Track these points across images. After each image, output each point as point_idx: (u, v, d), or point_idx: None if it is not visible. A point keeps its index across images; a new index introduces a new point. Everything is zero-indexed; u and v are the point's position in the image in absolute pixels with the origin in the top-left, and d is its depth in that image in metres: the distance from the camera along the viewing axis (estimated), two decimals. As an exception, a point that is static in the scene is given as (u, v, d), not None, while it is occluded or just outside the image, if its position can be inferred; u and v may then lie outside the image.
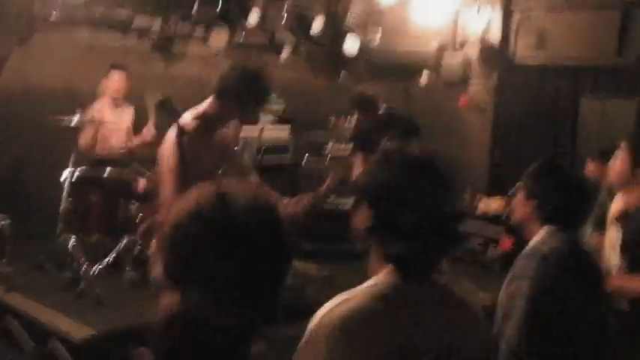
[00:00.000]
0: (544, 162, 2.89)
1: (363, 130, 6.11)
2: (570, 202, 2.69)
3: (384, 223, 1.68)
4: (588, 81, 6.72)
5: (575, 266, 2.62)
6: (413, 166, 1.75)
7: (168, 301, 1.25)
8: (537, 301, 2.49)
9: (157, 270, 1.28)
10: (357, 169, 5.75)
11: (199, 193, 1.28)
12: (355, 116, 6.39)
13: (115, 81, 5.90)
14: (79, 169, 5.10)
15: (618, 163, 3.41)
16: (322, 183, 7.03)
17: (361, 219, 1.73)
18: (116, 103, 5.99)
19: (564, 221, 2.68)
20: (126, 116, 6.08)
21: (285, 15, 7.30)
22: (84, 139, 5.52)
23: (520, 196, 2.81)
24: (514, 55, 7.14)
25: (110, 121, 5.84)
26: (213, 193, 1.26)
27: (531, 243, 2.69)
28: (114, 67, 5.90)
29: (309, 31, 7.46)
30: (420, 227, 1.64)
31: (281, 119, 7.41)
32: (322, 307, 1.67)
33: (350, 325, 1.59)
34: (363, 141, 6.00)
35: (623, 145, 3.43)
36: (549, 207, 2.68)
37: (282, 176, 7.29)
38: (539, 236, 2.68)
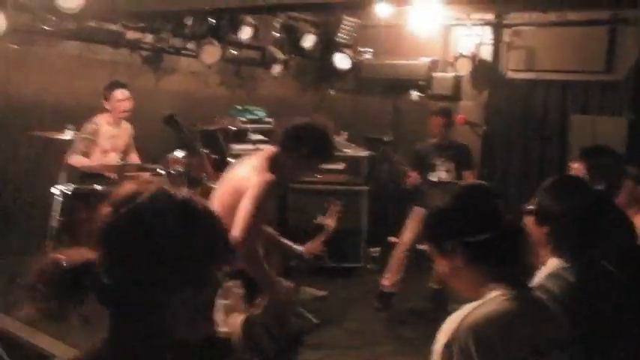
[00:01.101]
0: (558, 180, 2.62)
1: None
2: (588, 231, 2.30)
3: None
4: (577, 97, 6.77)
5: (585, 312, 2.22)
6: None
7: None
8: None
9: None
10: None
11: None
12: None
13: (121, 100, 5.79)
14: (70, 184, 5.03)
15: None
16: (310, 200, 7.07)
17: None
18: (116, 122, 5.88)
19: (580, 252, 2.30)
20: (124, 135, 5.99)
21: (277, 31, 7.30)
22: (76, 154, 5.45)
23: (529, 218, 2.48)
24: (505, 71, 7.18)
25: (108, 140, 5.75)
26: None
27: (540, 274, 2.38)
28: (116, 85, 5.80)
29: (300, 47, 7.47)
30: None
31: (270, 136, 7.36)
32: (448, 321, 1.86)
33: (498, 325, 1.79)
34: None
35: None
36: (563, 237, 2.35)
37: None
38: (549, 269, 2.36)
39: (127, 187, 1.39)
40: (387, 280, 6.05)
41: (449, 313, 1.89)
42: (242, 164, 3.61)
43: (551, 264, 2.39)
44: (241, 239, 3.19)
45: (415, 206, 6.10)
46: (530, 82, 7.00)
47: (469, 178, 6.15)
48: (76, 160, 5.45)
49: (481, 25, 7.19)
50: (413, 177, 5.92)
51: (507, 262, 1.91)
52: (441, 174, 6.11)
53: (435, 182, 6.06)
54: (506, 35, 7.13)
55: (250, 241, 3.23)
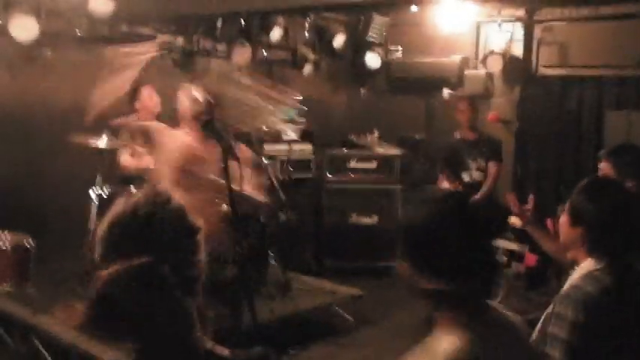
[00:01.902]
0: (593, 181, 2.57)
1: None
2: (624, 232, 2.30)
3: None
4: (612, 93, 6.64)
5: (622, 315, 2.25)
6: None
7: None
8: (576, 348, 2.19)
9: None
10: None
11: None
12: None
13: (151, 96, 5.86)
14: (108, 187, 5.08)
15: None
16: (344, 199, 7.08)
17: None
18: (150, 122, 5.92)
19: (616, 254, 2.30)
20: None
21: (307, 31, 7.31)
22: (127, 158, 5.50)
23: (564, 218, 2.46)
24: (536, 67, 7.10)
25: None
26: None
27: (575, 276, 2.38)
28: (141, 84, 5.87)
29: (330, 47, 7.47)
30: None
31: (303, 135, 7.40)
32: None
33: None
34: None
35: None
36: (598, 238, 2.33)
37: (306, 192, 7.29)
38: (583, 270, 2.35)
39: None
40: None
41: None
42: None
43: (586, 265, 2.37)
44: None
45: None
46: (563, 78, 6.90)
47: (493, 171, 6.04)
48: (126, 160, 5.50)
49: (512, 21, 7.12)
50: (452, 184, 5.80)
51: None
52: (475, 174, 5.99)
53: (469, 183, 5.94)
54: (538, 31, 7.03)
55: None
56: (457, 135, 6.07)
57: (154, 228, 1.51)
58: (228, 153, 3.88)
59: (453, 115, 6.48)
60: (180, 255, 1.52)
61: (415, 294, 1.73)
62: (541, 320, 2.44)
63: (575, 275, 2.38)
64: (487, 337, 1.63)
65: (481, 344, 1.60)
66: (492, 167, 6.02)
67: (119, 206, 1.56)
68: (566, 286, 2.39)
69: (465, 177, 5.96)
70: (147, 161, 5.73)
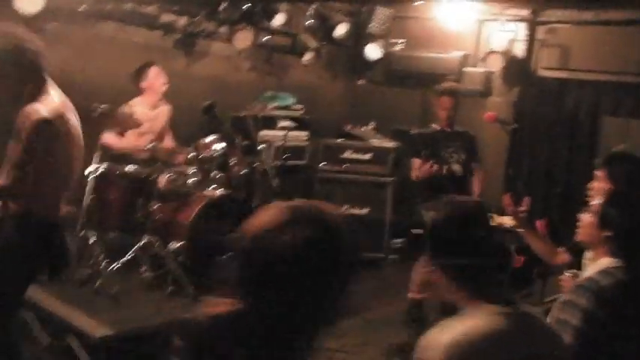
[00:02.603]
0: (622, 191, 2.77)
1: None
2: None
3: None
4: (610, 99, 6.63)
5: (632, 310, 2.45)
6: None
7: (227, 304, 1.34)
8: (586, 335, 2.38)
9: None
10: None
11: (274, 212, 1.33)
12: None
13: (158, 76, 5.84)
14: (103, 164, 5.08)
15: None
16: (336, 189, 7.08)
17: None
18: (154, 103, 5.91)
19: (634, 256, 2.51)
20: (161, 117, 6.00)
21: (310, 18, 7.31)
22: (110, 134, 5.49)
23: (590, 218, 2.69)
24: (536, 68, 7.11)
25: (145, 121, 5.75)
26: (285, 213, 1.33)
27: (591, 270, 2.60)
28: (147, 64, 5.84)
29: (331, 36, 7.47)
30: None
31: (299, 123, 7.41)
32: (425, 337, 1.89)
33: (476, 344, 1.82)
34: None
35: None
36: (622, 242, 2.52)
37: (298, 179, 7.32)
38: (600, 266, 2.56)
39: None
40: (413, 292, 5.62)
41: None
42: None
43: (604, 262, 2.57)
44: None
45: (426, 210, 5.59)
46: (562, 81, 6.89)
47: (479, 173, 5.76)
48: (110, 138, 5.49)
49: (515, 21, 7.12)
50: (425, 166, 5.27)
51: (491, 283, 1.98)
52: (455, 166, 5.63)
53: (448, 176, 5.50)
54: (541, 32, 7.02)
55: None
56: (435, 126, 5.76)
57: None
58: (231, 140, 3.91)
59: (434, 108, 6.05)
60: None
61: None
62: (552, 309, 2.61)
63: (592, 269, 2.60)
64: (513, 318, 1.90)
65: (508, 323, 1.87)
66: (478, 171, 5.78)
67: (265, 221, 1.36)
68: (582, 277, 2.62)
69: (445, 169, 5.54)
70: (130, 141, 5.73)
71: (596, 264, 2.61)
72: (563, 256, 3.53)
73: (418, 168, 5.39)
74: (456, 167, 5.65)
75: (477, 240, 1.97)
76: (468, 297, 1.94)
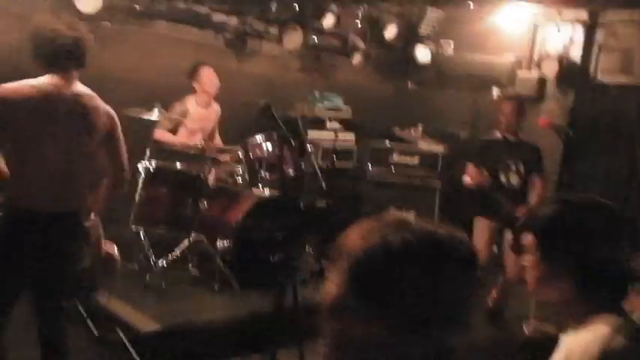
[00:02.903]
0: None
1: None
2: None
3: None
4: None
5: None
6: None
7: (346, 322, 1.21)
8: None
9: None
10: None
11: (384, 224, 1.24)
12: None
13: (209, 78, 5.89)
14: (154, 161, 5.12)
15: None
16: (383, 192, 7.01)
17: None
18: (206, 103, 5.97)
19: None
20: (212, 116, 6.07)
21: (360, 20, 7.27)
22: (162, 130, 5.54)
23: None
24: (595, 73, 6.88)
25: (197, 121, 5.81)
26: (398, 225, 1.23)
27: None
28: (199, 64, 5.89)
29: (381, 37, 7.42)
30: None
31: (347, 124, 7.37)
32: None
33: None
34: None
35: None
36: None
37: (346, 181, 7.27)
38: None
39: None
40: None
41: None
42: None
43: None
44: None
45: (479, 216, 5.48)
46: (623, 86, 6.62)
47: (539, 185, 5.50)
48: (162, 134, 5.54)
49: (572, 23, 6.92)
50: (479, 175, 5.25)
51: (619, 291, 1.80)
52: (512, 177, 5.48)
53: (503, 187, 5.43)
54: (600, 35, 6.79)
55: None
56: (497, 134, 5.61)
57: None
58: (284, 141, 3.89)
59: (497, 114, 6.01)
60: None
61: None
62: None
63: None
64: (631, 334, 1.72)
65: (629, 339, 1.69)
66: (538, 181, 5.52)
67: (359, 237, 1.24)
68: None
69: (502, 178, 5.45)
70: (181, 138, 5.78)
71: None
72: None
73: (472, 175, 5.32)
74: (513, 178, 5.48)
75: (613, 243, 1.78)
76: (586, 307, 1.78)
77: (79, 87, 3.27)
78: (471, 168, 5.38)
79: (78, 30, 3.20)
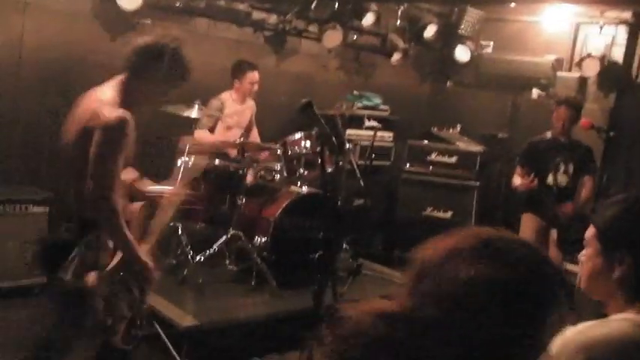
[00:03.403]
0: None
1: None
2: None
3: None
4: None
5: None
6: None
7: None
8: None
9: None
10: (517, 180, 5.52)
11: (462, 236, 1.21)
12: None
13: (253, 83, 5.92)
14: (192, 157, 5.16)
15: None
16: (420, 192, 6.99)
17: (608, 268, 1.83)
18: (242, 99, 6.00)
19: None
20: (248, 112, 6.11)
21: (399, 19, 7.25)
22: (202, 129, 5.59)
23: None
24: (637, 74, 6.81)
25: (232, 117, 5.87)
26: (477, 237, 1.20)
27: None
28: (248, 66, 5.91)
29: (421, 37, 7.39)
30: None
31: (385, 123, 7.35)
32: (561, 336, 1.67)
33: (617, 351, 1.69)
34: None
35: None
36: None
37: (383, 180, 7.27)
38: None
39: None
40: None
41: None
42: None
43: None
44: (106, 196, 2.78)
45: (527, 212, 5.62)
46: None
47: (588, 184, 5.55)
48: (202, 135, 5.60)
49: (615, 24, 6.84)
50: (526, 181, 5.37)
51: None
52: (560, 177, 5.53)
53: (551, 187, 5.50)
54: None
55: (114, 197, 2.80)
56: (548, 134, 5.64)
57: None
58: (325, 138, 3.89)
59: (543, 115, 6.08)
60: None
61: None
62: None
63: None
64: None
65: None
66: (588, 181, 5.56)
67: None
68: None
69: (550, 179, 5.50)
70: (219, 136, 5.81)
71: None
72: None
73: (519, 178, 5.43)
74: (562, 178, 5.52)
75: None
76: (624, 301, 1.82)
77: None
78: (519, 170, 5.50)
79: None
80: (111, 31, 5.59)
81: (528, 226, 5.58)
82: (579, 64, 6.97)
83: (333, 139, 4.46)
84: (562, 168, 5.53)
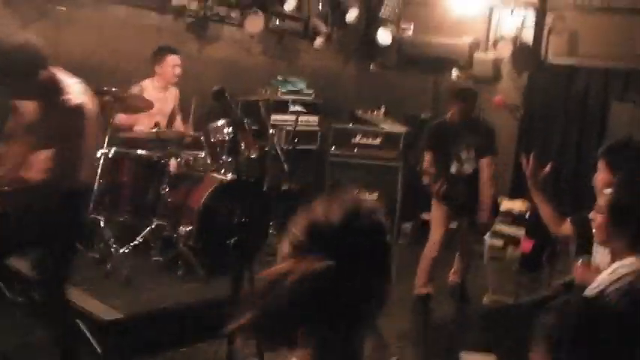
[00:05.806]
0: (635, 177, 2.67)
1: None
2: None
3: None
4: (619, 85, 6.67)
5: None
6: None
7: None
8: None
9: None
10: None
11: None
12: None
13: (174, 66, 5.82)
14: (113, 148, 5.10)
15: None
16: (346, 173, 7.11)
17: None
18: (163, 86, 5.91)
19: None
20: (170, 100, 6.02)
21: (321, 3, 7.31)
22: (121, 117, 5.50)
23: (602, 217, 2.57)
24: (545, 55, 7.12)
25: (154, 102, 5.75)
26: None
27: (621, 271, 2.44)
28: (168, 50, 5.82)
29: (343, 20, 7.48)
30: None
31: (310, 107, 7.43)
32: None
33: None
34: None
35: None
36: None
37: (309, 163, 7.36)
38: (630, 267, 2.42)
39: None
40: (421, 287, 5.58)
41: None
42: None
43: (629, 261, 2.49)
44: None
45: (436, 201, 5.47)
46: (571, 67, 6.93)
47: (487, 169, 5.40)
48: (122, 118, 5.50)
49: (524, 7, 7.12)
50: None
51: None
52: (465, 164, 5.45)
53: (456, 177, 5.43)
54: (549, 19, 7.04)
55: None
56: (449, 116, 5.48)
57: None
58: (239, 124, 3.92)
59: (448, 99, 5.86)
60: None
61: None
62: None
63: (622, 270, 2.51)
64: None
65: None
66: (487, 165, 5.41)
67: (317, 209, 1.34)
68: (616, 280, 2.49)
69: (454, 168, 5.43)
70: (141, 120, 5.75)
71: (624, 265, 2.46)
72: (567, 226, 3.56)
73: (428, 164, 5.33)
74: (466, 166, 5.47)
75: None
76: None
77: None
78: (428, 156, 5.40)
79: None
80: (23, 18, 5.47)
81: (437, 214, 5.56)
82: (494, 45, 7.21)
83: (245, 124, 4.46)
84: (464, 155, 5.45)
